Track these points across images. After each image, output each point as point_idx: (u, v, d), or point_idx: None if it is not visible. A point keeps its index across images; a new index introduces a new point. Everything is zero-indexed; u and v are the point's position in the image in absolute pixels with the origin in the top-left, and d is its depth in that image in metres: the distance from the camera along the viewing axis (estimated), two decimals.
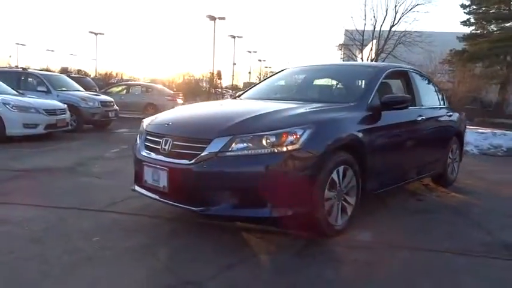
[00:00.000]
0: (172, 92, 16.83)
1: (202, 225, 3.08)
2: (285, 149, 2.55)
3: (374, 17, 25.64)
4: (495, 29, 24.21)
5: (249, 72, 53.37)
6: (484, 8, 25.08)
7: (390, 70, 3.97)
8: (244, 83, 48.11)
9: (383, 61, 25.93)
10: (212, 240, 2.80)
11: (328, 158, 2.73)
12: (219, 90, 28.45)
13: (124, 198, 3.70)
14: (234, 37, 39.49)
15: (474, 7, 25.40)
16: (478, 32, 25.15)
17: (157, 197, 2.85)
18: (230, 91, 31.69)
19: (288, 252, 2.64)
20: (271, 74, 4.63)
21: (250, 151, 2.55)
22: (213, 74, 29.42)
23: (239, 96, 4.41)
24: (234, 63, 43.65)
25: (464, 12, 25.77)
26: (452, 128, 4.95)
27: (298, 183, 2.60)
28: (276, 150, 2.53)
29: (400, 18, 25.22)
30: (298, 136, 2.59)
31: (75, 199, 3.68)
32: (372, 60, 25.98)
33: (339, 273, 2.43)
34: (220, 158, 2.56)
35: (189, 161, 2.63)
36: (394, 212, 3.80)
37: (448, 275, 2.45)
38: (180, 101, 17.04)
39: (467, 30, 25.63)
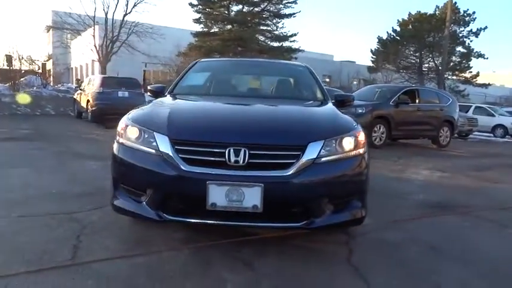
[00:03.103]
0: None
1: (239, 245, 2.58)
2: (361, 150, 2.61)
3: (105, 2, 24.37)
4: (221, 29, 27.89)
5: None
6: (209, 10, 28.41)
7: (309, 67, 4.30)
8: None
9: (118, 49, 25.22)
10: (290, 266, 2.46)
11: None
12: None
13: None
14: None
15: (201, 7, 28.38)
16: (206, 30, 28.32)
17: (238, 222, 2.32)
18: None
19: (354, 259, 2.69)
20: (189, 66, 3.99)
21: (340, 155, 2.49)
22: None
23: (171, 93, 3.61)
24: None
25: (193, 11, 28.46)
26: None
27: (368, 180, 2.70)
28: (360, 151, 2.60)
29: (133, 8, 25.01)
30: (362, 135, 2.66)
31: None
32: (107, 47, 24.88)
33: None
34: (317, 165, 2.38)
35: (285, 171, 2.25)
36: None
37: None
38: None
39: (199, 28, 28.44)
